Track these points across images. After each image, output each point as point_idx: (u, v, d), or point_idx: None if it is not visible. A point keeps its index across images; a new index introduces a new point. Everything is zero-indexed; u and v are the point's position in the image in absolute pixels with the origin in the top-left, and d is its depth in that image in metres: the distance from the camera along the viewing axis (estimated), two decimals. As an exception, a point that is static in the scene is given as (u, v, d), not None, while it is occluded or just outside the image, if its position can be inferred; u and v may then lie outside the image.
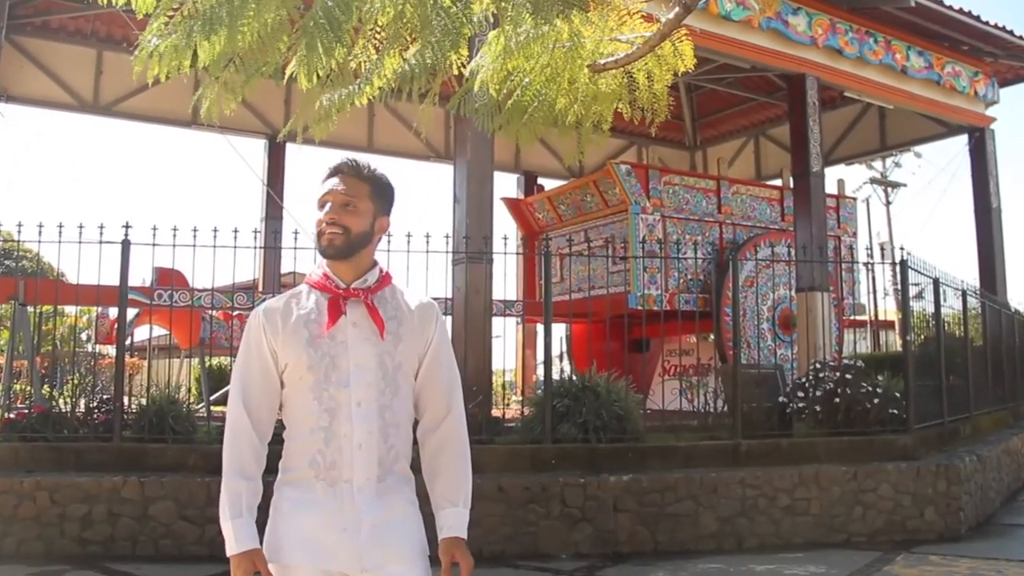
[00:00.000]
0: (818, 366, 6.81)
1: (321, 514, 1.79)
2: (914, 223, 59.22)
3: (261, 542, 1.81)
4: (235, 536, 1.77)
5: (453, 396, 1.96)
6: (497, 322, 7.45)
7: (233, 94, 3.68)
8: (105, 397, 6.01)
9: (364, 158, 1.98)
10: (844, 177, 11.79)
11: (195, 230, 5.94)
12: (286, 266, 11.06)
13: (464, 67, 3.20)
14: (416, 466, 1.93)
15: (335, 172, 1.92)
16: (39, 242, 5.92)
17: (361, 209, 1.89)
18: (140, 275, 7.34)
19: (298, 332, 1.84)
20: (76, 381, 6.30)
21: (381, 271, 1.95)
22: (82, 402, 5.99)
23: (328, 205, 1.87)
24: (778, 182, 11.40)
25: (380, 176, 1.96)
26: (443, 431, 1.94)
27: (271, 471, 1.88)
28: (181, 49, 3.17)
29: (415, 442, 1.96)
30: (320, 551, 1.78)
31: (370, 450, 1.81)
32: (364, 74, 3.46)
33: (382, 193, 1.95)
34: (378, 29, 3.46)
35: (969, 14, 9.36)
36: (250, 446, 1.83)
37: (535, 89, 3.23)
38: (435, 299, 6.87)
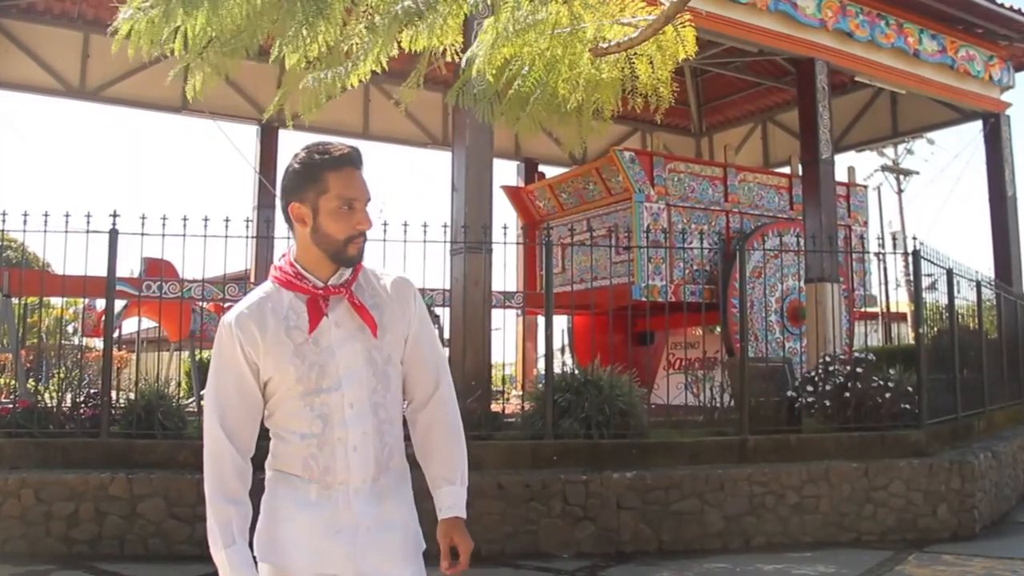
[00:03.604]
0: (828, 359, 6.69)
1: (315, 516, 1.72)
2: (927, 212, 58.70)
3: (251, 542, 1.72)
4: (230, 566, 1.66)
5: (440, 371, 1.88)
6: (497, 314, 7.29)
7: (218, 72, 3.58)
8: (92, 391, 5.92)
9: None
10: (855, 164, 11.63)
11: (185, 219, 5.84)
12: (279, 257, 10.92)
13: (459, 54, 3.08)
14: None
15: (349, 163, 1.73)
16: (24, 231, 5.81)
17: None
18: (128, 265, 7.23)
19: (281, 343, 1.71)
20: (62, 375, 6.22)
21: None
22: (68, 397, 5.91)
23: (361, 210, 1.72)
24: (786, 169, 11.25)
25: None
26: (432, 407, 1.85)
27: (258, 468, 1.78)
28: (159, 23, 3.08)
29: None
30: (315, 554, 1.71)
31: (366, 451, 1.74)
32: (354, 56, 3.32)
33: None
34: (371, 10, 3.33)
35: (984, -4, 9.15)
36: (233, 468, 1.71)
37: (535, 77, 3.10)
38: (432, 290, 6.62)
